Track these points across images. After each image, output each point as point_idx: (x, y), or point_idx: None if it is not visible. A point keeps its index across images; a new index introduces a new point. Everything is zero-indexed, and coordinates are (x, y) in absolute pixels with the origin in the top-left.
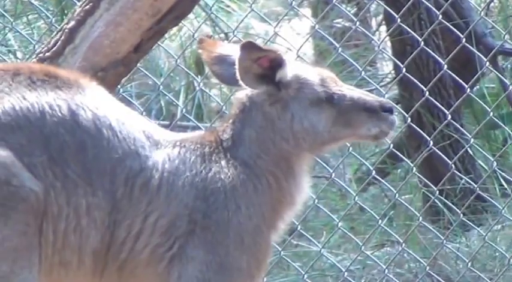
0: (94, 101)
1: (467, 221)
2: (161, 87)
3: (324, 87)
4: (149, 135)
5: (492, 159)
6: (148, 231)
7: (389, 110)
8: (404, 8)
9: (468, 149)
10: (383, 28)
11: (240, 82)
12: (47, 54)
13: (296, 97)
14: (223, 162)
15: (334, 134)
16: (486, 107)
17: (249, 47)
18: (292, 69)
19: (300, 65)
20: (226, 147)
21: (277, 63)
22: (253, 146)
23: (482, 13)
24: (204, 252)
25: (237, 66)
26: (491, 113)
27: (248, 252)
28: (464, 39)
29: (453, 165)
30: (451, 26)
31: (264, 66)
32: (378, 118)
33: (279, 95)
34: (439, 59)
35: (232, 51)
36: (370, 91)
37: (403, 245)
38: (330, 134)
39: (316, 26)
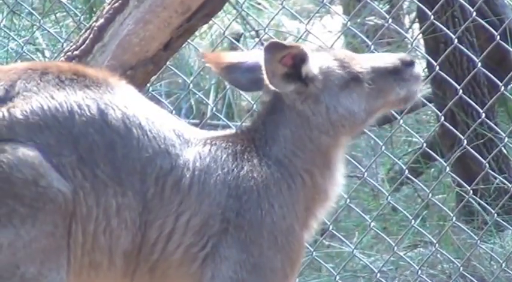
0: (123, 100)
1: (502, 221)
2: (191, 85)
3: (345, 68)
4: (179, 133)
5: None
6: (181, 231)
7: (411, 63)
8: (437, 5)
9: (502, 148)
10: (416, 25)
11: (269, 85)
12: (76, 52)
13: (325, 88)
14: (255, 161)
15: (369, 109)
16: None
17: (273, 48)
18: (315, 62)
19: (316, 55)
20: (259, 146)
21: (300, 59)
22: (289, 145)
23: None
24: (238, 252)
25: (264, 70)
26: None
27: (282, 252)
28: (498, 37)
29: (487, 165)
30: (485, 23)
31: (288, 65)
32: (402, 79)
33: (308, 91)
34: (473, 56)
35: (241, 57)
36: None
37: (437, 245)
38: (366, 111)
39: (348, 24)
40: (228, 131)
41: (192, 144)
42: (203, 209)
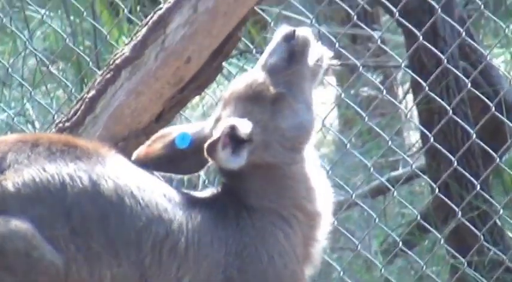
0: (114, 170)
1: None
2: None
3: (258, 100)
4: (170, 198)
5: None
6: None
7: (290, 36)
8: (432, 77)
9: (497, 220)
10: (409, 97)
11: (232, 167)
12: (67, 124)
13: (262, 130)
14: (247, 215)
15: (308, 106)
16: None
17: (213, 148)
18: (246, 121)
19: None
20: (245, 200)
21: (232, 133)
22: (271, 192)
23: None
24: None
25: (217, 165)
26: None
27: None
28: (493, 108)
29: (482, 237)
30: (480, 94)
31: (229, 142)
32: (300, 57)
33: (254, 144)
34: (467, 127)
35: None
36: (396, 161)
37: None
38: (307, 111)
39: (342, 95)
40: (212, 190)
41: (184, 206)
42: (203, 270)
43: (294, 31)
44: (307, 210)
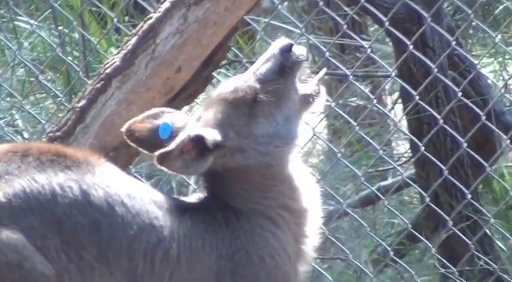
0: (104, 179)
1: None
2: None
3: (235, 101)
4: (160, 204)
5: None
6: None
7: (286, 50)
8: (421, 87)
9: (487, 229)
10: (398, 107)
11: (192, 175)
12: (57, 133)
13: (237, 134)
14: (235, 219)
15: (285, 120)
16: (506, 186)
17: (164, 159)
18: (212, 130)
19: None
20: (231, 204)
21: (196, 141)
22: (254, 194)
23: (501, 90)
24: None
25: (174, 172)
26: (511, 193)
27: None
28: (483, 117)
29: (473, 246)
30: (470, 103)
31: (192, 150)
32: (291, 70)
33: (226, 149)
34: (457, 137)
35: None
36: (386, 171)
37: None
38: (283, 123)
39: (332, 105)
40: (199, 195)
41: (174, 213)
42: (195, 275)
43: (291, 46)
44: (293, 209)
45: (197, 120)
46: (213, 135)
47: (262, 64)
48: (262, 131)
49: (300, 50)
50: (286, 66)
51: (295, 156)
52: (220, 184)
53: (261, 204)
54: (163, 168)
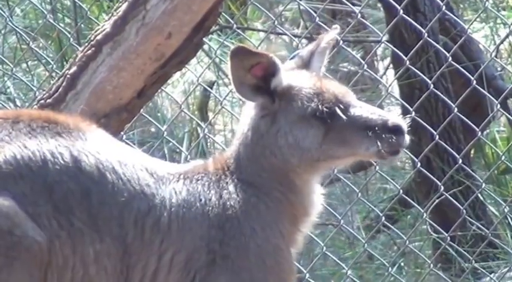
0: (95, 145)
1: (480, 268)
2: (165, 133)
3: (316, 102)
4: (152, 171)
5: (504, 205)
6: (166, 270)
7: (394, 130)
8: (412, 51)
9: (479, 194)
10: (390, 72)
11: (237, 93)
12: (49, 100)
13: (285, 110)
14: (231, 188)
15: (326, 151)
16: (498, 151)
17: (240, 53)
18: (288, 77)
19: (302, 75)
20: (233, 171)
21: (271, 70)
22: (254, 166)
23: (492, 55)
24: (228, 280)
25: (230, 77)
26: (503, 157)
27: (272, 273)
28: (474, 82)
29: (464, 211)
30: (461, 68)
31: (259, 76)
32: (376, 136)
33: (271, 107)
34: (448, 102)
35: None
36: None
37: None
38: (321, 151)
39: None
40: (200, 162)
41: (167, 180)
42: (186, 244)
43: (398, 129)
44: (289, 197)
45: (318, 80)
46: (284, 80)
47: (367, 111)
48: (299, 138)
49: (400, 141)
50: (374, 131)
51: (310, 175)
52: (235, 143)
53: (258, 180)
54: (229, 61)
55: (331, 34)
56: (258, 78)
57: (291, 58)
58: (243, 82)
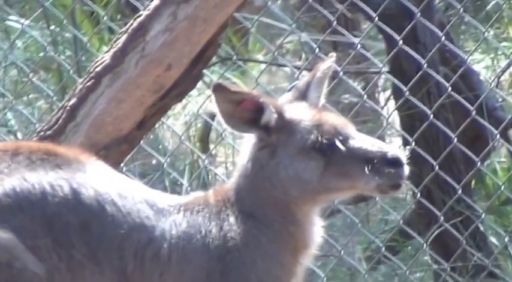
0: (95, 178)
1: None
2: (165, 165)
3: (316, 134)
4: (153, 203)
5: (504, 235)
6: None
7: (393, 163)
8: (412, 82)
9: (480, 225)
10: (391, 103)
11: (227, 126)
12: (48, 132)
13: (284, 142)
14: (231, 219)
15: (326, 184)
16: (498, 181)
17: (220, 90)
18: (287, 110)
19: (301, 107)
20: (233, 202)
21: (259, 106)
22: (252, 196)
23: (493, 85)
24: None
25: (217, 111)
26: (503, 188)
27: None
28: (474, 112)
29: (464, 242)
30: (461, 99)
31: (249, 109)
32: (375, 171)
33: (268, 140)
34: (449, 132)
35: None
36: None
37: None
38: (321, 183)
39: (323, 101)
40: (201, 194)
41: (167, 212)
42: (186, 276)
43: (399, 162)
44: (289, 230)
45: (317, 112)
46: (273, 116)
47: (366, 143)
48: (299, 171)
49: (399, 174)
50: (373, 164)
51: (311, 207)
52: (240, 178)
53: (258, 211)
54: (213, 95)
55: (327, 63)
56: (249, 111)
57: (289, 90)
58: (232, 115)
